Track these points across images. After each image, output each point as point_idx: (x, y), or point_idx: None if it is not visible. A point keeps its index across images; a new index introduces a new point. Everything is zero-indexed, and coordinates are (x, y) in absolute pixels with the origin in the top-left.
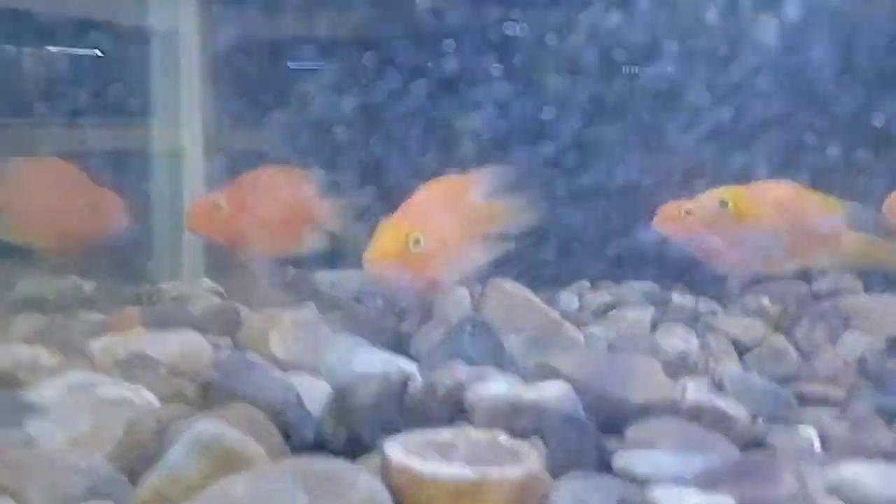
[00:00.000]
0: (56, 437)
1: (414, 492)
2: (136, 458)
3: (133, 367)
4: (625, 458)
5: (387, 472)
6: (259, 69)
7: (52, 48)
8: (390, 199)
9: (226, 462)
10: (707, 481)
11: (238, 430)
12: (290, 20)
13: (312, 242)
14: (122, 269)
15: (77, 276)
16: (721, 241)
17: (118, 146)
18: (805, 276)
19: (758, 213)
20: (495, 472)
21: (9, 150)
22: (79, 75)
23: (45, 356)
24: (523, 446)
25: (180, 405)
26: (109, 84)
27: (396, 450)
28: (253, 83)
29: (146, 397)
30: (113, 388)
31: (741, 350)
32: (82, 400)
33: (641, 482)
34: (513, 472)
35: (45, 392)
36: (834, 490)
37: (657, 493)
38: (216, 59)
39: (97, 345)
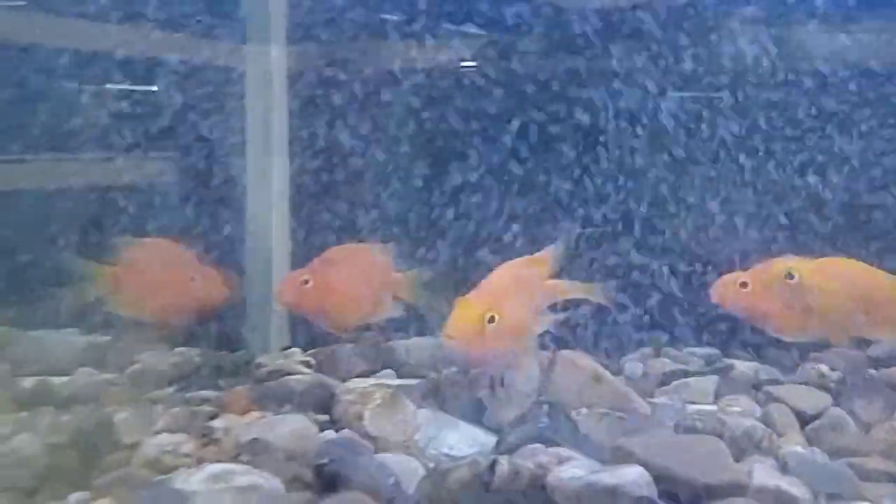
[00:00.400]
0: None
1: None
2: None
3: (255, 452)
4: None
5: None
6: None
7: (152, 88)
8: (461, 272)
9: None
10: None
11: None
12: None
13: (388, 311)
14: (219, 339)
15: (183, 347)
16: (782, 311)
17: (213, 183)
18: (861, 342)
19: (824, 286)
20: None
21: (110, 181)
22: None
23: (183, 443)
24: None
25: (301, 491)
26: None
27: None
28: (337, 130)
29: (272, 482)
30: (245, 477)
31: (803, 420)
32: (222, 487)
33: None
34: None
35: (192, 481)
36: None
37: None
38: (303, 101)
39: (219, 426)
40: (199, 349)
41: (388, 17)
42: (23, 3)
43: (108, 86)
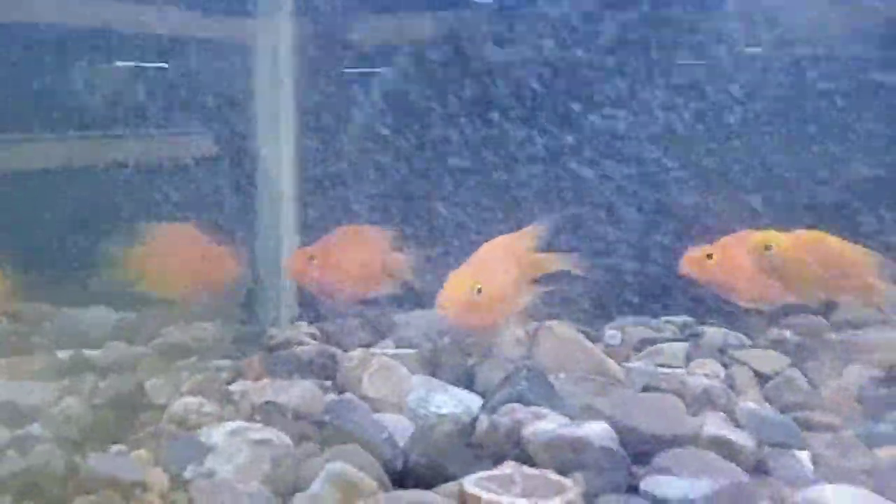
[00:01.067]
0: (225, 470)
1: None
2: (283, 485)
3: (268, 414)
4: (648, 483)
5: (463, 500)
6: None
7: (162, 64)
8: (452, 251)
9: (350, 492)
10: (706, 501)
11: (354, 467)
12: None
13: (387, 288)
14: (233, 314)
15: (201, 322)
16: (745, 281)
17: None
18: (826, 308)
19: (799, 257)
20: (543, 501)
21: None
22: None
23: (206, 404)
24: (567, 482)
25: (307, 444)
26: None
27: (470, 484)
28: (341, 103)
29: (282, 438)
30: (259, 432)
31: (763, 380)
32: (239, 441)
33: (660, 502)
34: (556, 500)
35: (213, 435)
36: None
37: None
38: (309, 78)
39: (236, 388)
40: (216, 323)
41: None
42: None
43: (118, 63)
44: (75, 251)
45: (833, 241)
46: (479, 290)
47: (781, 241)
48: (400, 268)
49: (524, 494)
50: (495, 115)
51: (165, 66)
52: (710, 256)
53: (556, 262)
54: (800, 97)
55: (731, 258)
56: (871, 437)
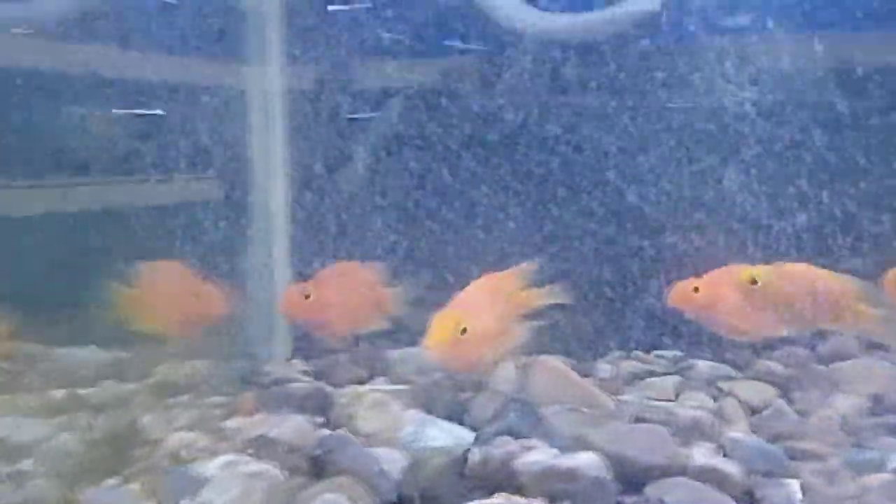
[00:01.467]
0: (218, 502)
1: None
2: None
3: (261, 447)
4: None
5: None
6: (335, 129)
7: (156, 111)
8: (442, 288)
9: None
10: None
11: (348, 499)
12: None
13: (377, 324)
14: (226, 351)
15: (193, 359)
16: (730, 314)
17: (214, 199)
18: (815, 339)
19: (784, 290)
20: None
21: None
22: (177, 135)
23: (199, 440)
24: None
25: (300, 477)
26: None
27: None
28: (330, 143)
29: (275, 471)
30: (252, 465)
31: (751, 411)
32: (232, 474)
33: None
34: None
35: (208, 468)
36: None
37: None
38: (298, 120)
39: (230, 424)
40: (209, 361)
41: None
42: (30, 31)
43: (113, 110)
44: (65, 293)
45: (817, 272)
46: (464, 331)
47: (767, 274)
48: (392, 303)
49: None
50: (486, 157)
51: (158, 112)
52: (696, 289)
53: (542, 297)
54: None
55: (717, 291)
56: (858, 465)
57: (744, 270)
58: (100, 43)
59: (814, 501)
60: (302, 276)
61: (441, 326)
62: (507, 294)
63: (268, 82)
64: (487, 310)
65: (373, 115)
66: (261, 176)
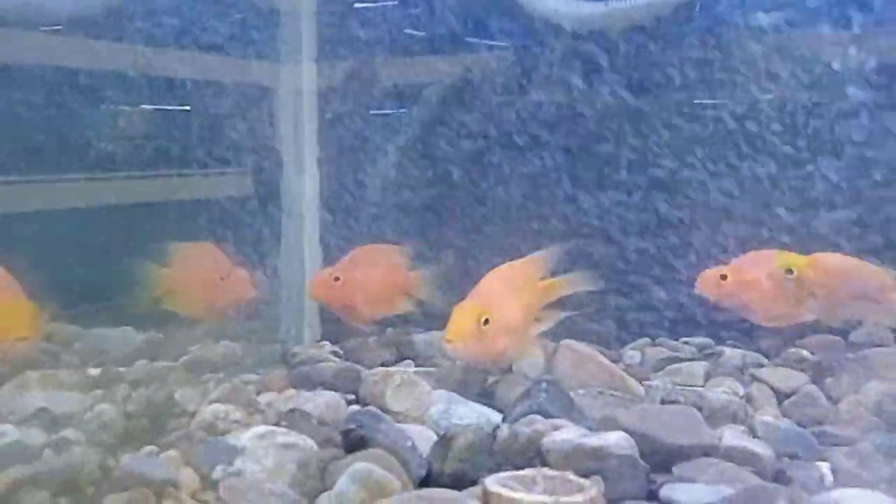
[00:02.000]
0: (253, 470)
1: None
2: (309, 487)
3: (294, 421)
4: (668, 490)
5: (486, 499)
6: (366, 125)
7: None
8: (469, 270)
9: (375, 491)
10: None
11: (380, 468)
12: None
13: (403, 307)
14: (259, 332)
15: (228, 340)
16: (759, 301)
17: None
18: (848, 328)
19: (820, 279)
20: (564, 499)
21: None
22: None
23: (233, 412)
24: (587, 482)
25: (332, 449)
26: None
27: (493, 483)
28: (360, 138)
29: (308, 442)
30: (285, 437)
31: (781, 398)
32: (266, 444)
33: None
34: (577, 498)
35: (242, 439)
36: None
37: None
38: (331, 118)
39: (263, 399)
40: (241, 342)
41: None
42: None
43: (147, 106)
44: (103, 276)
45: (852, 262)
46: (486, 322)
47: (802, 264)
48: (419, 286)
49: (546, 493)
50: (510, 149)
51: (189, 108)
52: (724, 277)
53: (565, 286)
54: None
55: (745, 278)
56: (890, 449)
57: (779, 258)
58: (126, 41)
59: (844, 483)
60: (330, 260)
61: (461, 318)
62: (527, 282)
63: (298, 79)
64: (508, 299)
65: (401, 110)
66: (291, 167)
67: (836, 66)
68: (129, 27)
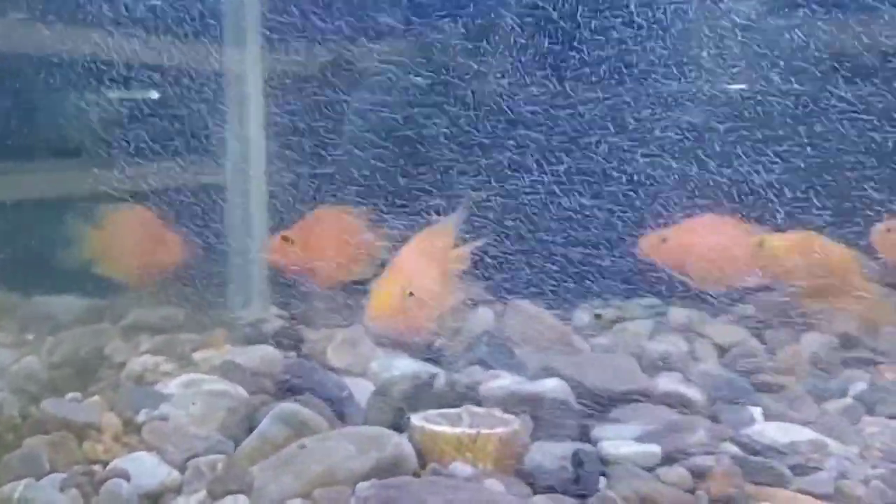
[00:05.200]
0: (180, 415)
1: (430, 445)
2: (236, 431)
3: (227, 371)
4: (598, 431)
5: (412, 434)
6: (311, 107)
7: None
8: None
9: (300, 430)
10: (644, 437)
11: (305, 410)
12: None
13: (364, 270)
14: (205, 298)
15: (172, 306)
16: (698, 264)
17: (193, 181)
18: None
19: (789, 255)
20: (486, 430)
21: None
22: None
23: (163, 364)
24: (512, 417)
25: (264, 396)
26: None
27: (418, 419)
28: (305, 120)
29: (239, 390)
30: (215, 384)
31: (723, 352)
32: (194, 391)
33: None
34: (500, 430)
35: (170, 386)
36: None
37: (604, 444)
38: (275, 100)
39: (198, 356)
40: (184, 307)
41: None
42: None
43: (89, 92)
44: (40, 241)
45: (821, 241)
46: (410, 294)
47: (774, 240)
48: (375, 248)
49: (471, 427)
50: (450, 121)
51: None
52: (665, 240)
53: (472, 246)
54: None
55: (685, 241)
56: (820, 392)
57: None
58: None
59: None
60: (285, 224)
61: (383, 295)
62: (442, 250)
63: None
64: (427, 270)
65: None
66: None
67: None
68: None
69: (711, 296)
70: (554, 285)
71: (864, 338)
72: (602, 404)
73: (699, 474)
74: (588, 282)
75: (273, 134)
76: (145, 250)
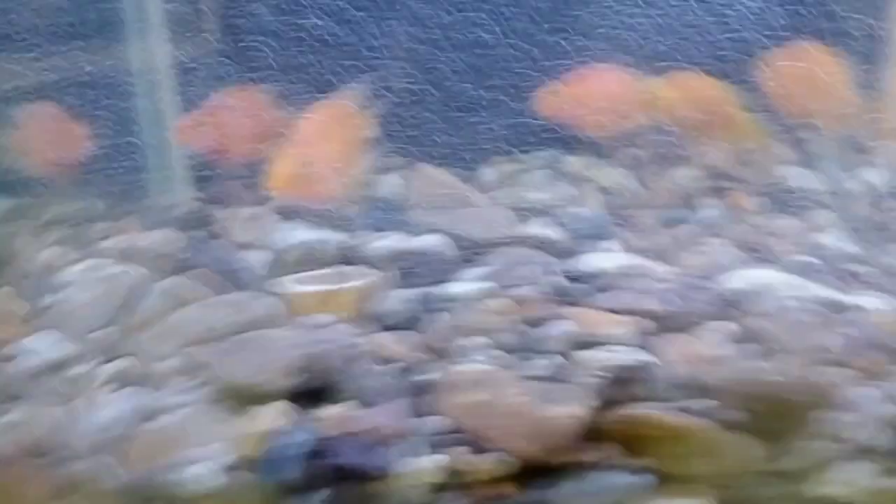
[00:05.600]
0: (79, 298)
1: (298, 303)
2: (133, 308)
3: (129, 255)
4: (454, 276)
5: (283, 295)
6: None
7: None
8: None
9: (184, 302)
10: (487, 276)
11: (194, 283)
12: None
13: (271, 149)
14: (125, 189)
15: (93, 197)
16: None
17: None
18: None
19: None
20: (346, 284)
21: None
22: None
23: (70, 252)
24: (376, 272)
25: (163, 274)
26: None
27: (291, 281)
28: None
29: (140, 271)
30: (114, 268)
31: (607, 194)
32: (94, 275)
33: None
34: (357, 283)
35: (70, 272)
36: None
37: (449, 286)
38: None
39: (107, 244)
40: (100, 198)
41: None
42: None
43: None
44: None
45: (698, 79)
46: (309, 164)
47: (658, 83)
48: (286, 125)
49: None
50: None
51: None
52: (556, 93)
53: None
54: None
55: (577, 93)
56: (670, 221)
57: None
58: None
59: (626, 251)
60: (195, 106)
61: (282, 165)
62: (345, 118)
63: None
64: (327, 140)
65: None
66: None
67: None
68: None
69: (601, 142)
70: (460, 146)
71: (732, 170)
72: (477, 253)
73: (520, 302)
74: (492, 140)
75: (176, 19)
76: (49, 143)
